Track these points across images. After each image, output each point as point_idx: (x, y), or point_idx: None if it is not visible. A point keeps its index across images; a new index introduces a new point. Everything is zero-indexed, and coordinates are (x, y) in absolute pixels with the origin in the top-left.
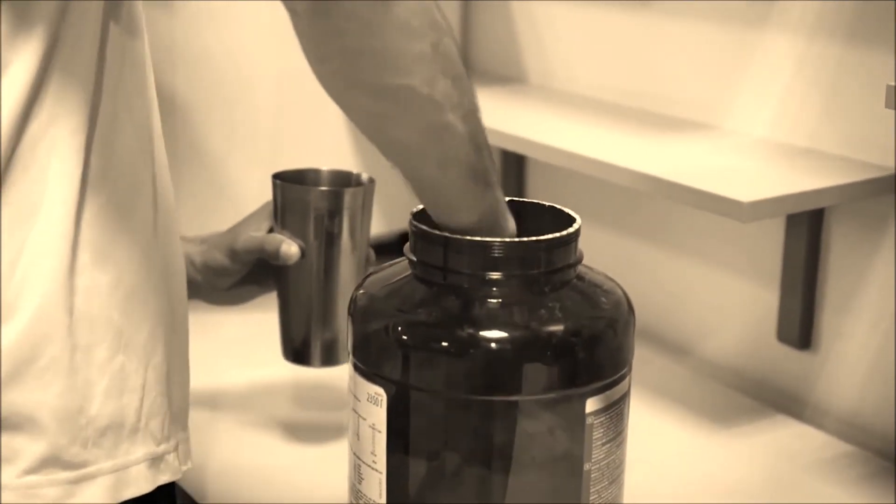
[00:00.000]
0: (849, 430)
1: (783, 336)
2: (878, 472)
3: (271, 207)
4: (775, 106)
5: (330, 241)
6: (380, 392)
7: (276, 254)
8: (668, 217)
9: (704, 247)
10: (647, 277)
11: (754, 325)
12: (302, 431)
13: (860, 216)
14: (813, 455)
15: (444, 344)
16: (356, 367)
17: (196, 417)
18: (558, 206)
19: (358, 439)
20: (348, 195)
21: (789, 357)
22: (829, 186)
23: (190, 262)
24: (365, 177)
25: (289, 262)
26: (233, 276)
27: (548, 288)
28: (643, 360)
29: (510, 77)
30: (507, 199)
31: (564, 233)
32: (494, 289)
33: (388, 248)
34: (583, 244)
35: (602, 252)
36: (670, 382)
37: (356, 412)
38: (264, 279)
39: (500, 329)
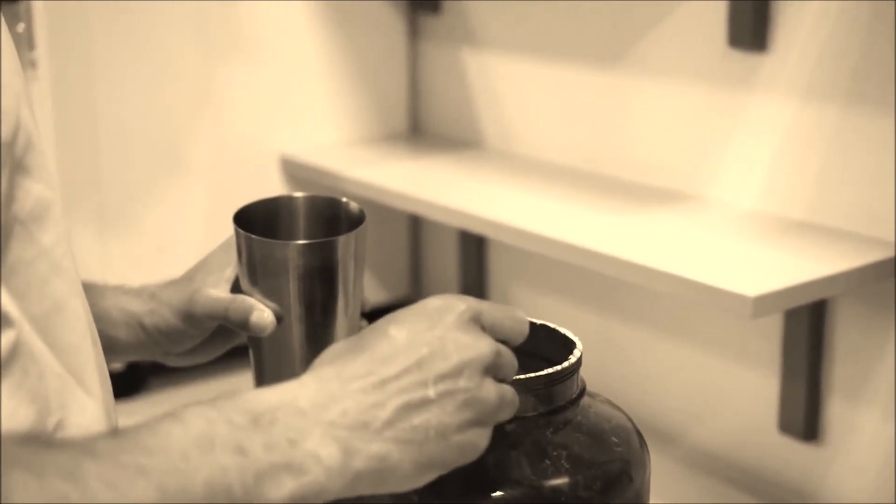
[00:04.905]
0: None
1: (786, 427)
2: None
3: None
4: (764, 174)
5: (316, 303)
6: None
7: (244, 323)
8: (653, 297)
9: (694, 328)
10: (630, 361)
11: (752, 414)
12: None
13: (868, 296)
14: None
15: None
16: None
17: None
18: (551, 325)
19: None
20: (340, 245)
21: (793, 450)
22: (836, 273)
23: (137, 323)
24: (355, 207)
25: (262, 334)
26: (190, 340)
27: (549, 431)
28: None
29: (465, 141)
30: None
31: (567, 364)
32: None
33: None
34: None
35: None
36: (658, 476)
37: None
38: (231, 334)
39: (497, 488)
